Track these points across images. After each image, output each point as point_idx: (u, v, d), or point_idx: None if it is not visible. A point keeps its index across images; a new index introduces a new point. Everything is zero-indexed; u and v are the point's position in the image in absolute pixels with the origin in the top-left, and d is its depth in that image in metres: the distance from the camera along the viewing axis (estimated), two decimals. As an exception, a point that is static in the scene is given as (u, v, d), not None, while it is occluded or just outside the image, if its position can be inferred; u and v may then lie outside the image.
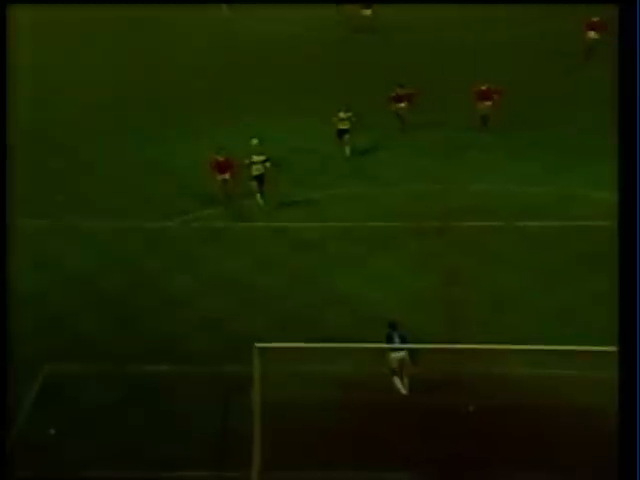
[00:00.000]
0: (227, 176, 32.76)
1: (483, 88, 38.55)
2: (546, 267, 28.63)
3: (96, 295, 27.92)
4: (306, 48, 50.98)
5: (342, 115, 36.63)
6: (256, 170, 32.82)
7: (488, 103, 38.53)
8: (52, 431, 21.69)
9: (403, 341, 22.67)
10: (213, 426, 21.23)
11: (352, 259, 29.61)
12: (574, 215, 31.53)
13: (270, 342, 20.69)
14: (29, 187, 35.18)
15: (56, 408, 22.56)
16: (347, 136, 36.73)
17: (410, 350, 22.31)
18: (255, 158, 32.83)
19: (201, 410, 22.09)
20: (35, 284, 28.33)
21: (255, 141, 33.57)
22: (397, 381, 22.57)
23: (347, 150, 36.88)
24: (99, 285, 28.49)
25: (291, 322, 25.67)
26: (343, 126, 36.75)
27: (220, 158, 32.73)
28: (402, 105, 38.97)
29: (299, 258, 29.61)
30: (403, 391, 22.65)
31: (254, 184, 32.80)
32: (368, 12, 52.88)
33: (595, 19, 45.96)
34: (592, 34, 45.81)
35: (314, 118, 39.93)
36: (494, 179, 34.62)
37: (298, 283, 28.14)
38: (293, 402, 21.34)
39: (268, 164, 32.80)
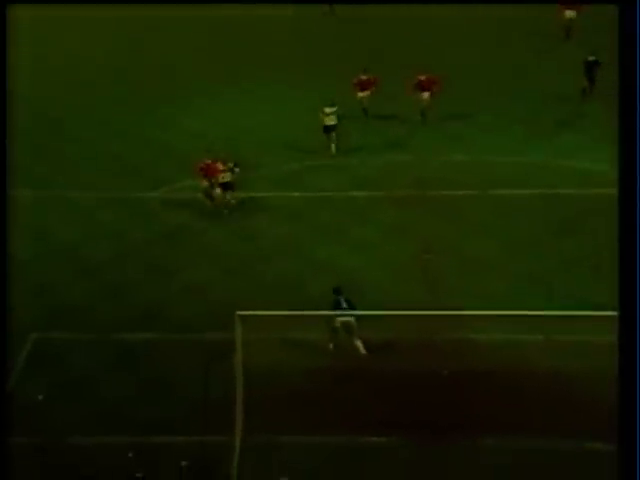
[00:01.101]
0: (213, 180, 30.47)
1: (422, 78, 36.22)
2: (518, 234, 28.67)
3: (81, 264, 27.79)
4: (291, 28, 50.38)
5: (327, 110, 34.07)
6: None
7: (426, 94, 36.30)
8: (40, 397, 21.64)
9: (349, 306, 22.78)
10: (196, 392, 21.18)
11: (331, 228, 29.56)
12: (544, 184, 31.57)
13: (252, 310, 20.65)
14: (14, 158, 34.90)
15: (44, 375, 22.51)
16: (334, 133, 34.18)
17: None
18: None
19: (184, 376, 22.07)
20: (21, 254, 28.16)
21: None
22: (328, 336, 22.75)
23: (333, 148, 34.27)
24: (84, 255, 28.35)
25: (272, 290, 25.63)
26: (330, 122, 34.12)
27: (207, 161, 30.41)
28: (365, 94, 36.97)
29: (280, 227, 29.54)
30: (362, 350, 22.77)
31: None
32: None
33: None
34: (569, 13, 45.22)
35: (296, 90, 39.84)
36: (468, 150, 34.57)
37: (279, 252, 28.09)
38: (274, 368, 21.35)
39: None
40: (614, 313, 19.64)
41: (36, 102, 40.56)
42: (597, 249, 26.60)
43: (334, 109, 34.17)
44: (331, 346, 23.01)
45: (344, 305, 22.80)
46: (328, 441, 20.04)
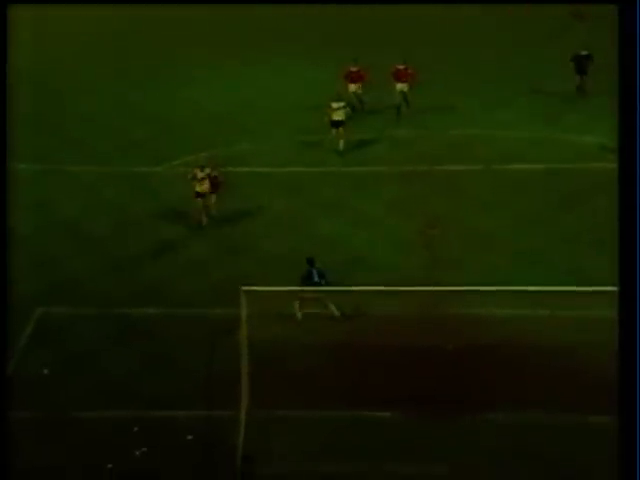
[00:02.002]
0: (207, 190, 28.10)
1: (400, 67, 35.00)
2: (522, 209, 28.63)
3: (84, 239, 27.79)
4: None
5: (334, 105, 32.56)
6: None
7: (404, 84, 35.01)
8: (45, 371, 21.71)
9: (321, 276, 22.90)
10: (201, 367, 21.20)
11: (336, 203, 29.54)
12: (549, 158, 31.51)
13: (256, 285, 20.65)
14: (16, 132, 34.84)
15: (48, 349, 22.53)
16: (341, 129, 32.60)
17: (327, 283, 22.84)
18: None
19: (189, 351, 22.09)
20: (24, 228, 28.17)
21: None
22: (296, 305, 22.94)
23: (341, 144, 32.55)
24: (87, 229, 28.34)
25: (276, 265, 25.62)
26: (337, 117, 32.61)
27: (201, 174, 28.13)
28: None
29: (284, 202, 29.50)
30: (336, 312, 23.09)
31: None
32: None
33: None
34: None
35: (300, 63, 39.73)
36: (472, 125, 34.48)
37: (283, 227, 28.06)
38: (280, 343, 21.39)
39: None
40: (616, 288, 20.06)
41: (38, 76, 40.45)
42: (600, 224, 26.54)
43: (341, 104, 32.71)
44: (299, 315, 23.07)
45: (315, 277, 22.89)
46: (333, 415, 20.09)
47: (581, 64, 36.25)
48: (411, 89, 35.02)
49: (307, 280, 22.90)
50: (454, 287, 21.93)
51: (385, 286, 21.96)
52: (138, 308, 23.97)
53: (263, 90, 38.41)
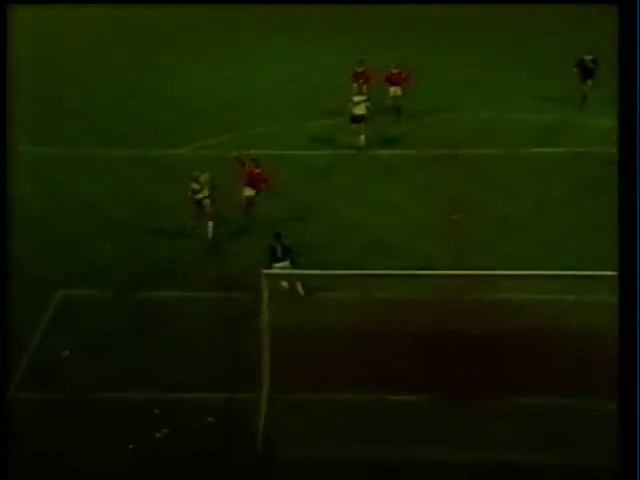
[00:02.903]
0: (253, 192, 27.12)
1: (394, 71, 33.86)
2: (548, 193, 28.52)
3: (108, 222, 27.87)
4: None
5: (356, 99, 31.82)
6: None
7: (397, 88, 33.83)
8: (65, 353, 21.86)
9: (285, 251, 23.01)
10: (222, 350, 21.26)
11: (359, 187, 29.52)
12: (575, 142, 31.34)
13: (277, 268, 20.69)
14: (42, 115, 35.13)
15: (68, 332, 22.65)
16: (363, 124, 31.85)
17: (292, 260, 22.99)
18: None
19: (210, 334, 22.13)
20: (48, 211, 28.39)
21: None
22: (285, 284, 22.96)
23: (362, 139, 31.83)
24: (111, 212, 28.43)
25: (298, 249, 25.60)
26: (359, 111, 31.72)
27: (257, 170, 26.96)
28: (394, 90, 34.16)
29: (305, 186, 29.51)
30: (301, 292, 23.29)
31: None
32: None
33: None
34: None
35: (321, 47, 39.66)
36: (499, 108, 34.35)
37: (306, 211, 28.06)
38: (301, 327, 21.41)
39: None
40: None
41: (57, 60, 40.66)
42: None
43: (363, 97, 31.93)
44: (301, 291, 23.30)
45: (279, 252, 23.05)
46: (355, 399, 20.10)
47: (587, 69, 34.18)
48: (404, 93, 33.82)
49: (271, 256, 22.98)
50: (478, 271, 21.86)
51: (408, 270, 22.02)
52: (158, 291, 24.08)
53: (285, 74, 38.40)
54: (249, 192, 26.84)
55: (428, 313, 22.17)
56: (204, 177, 26.44)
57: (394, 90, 33.80)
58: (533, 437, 19.19)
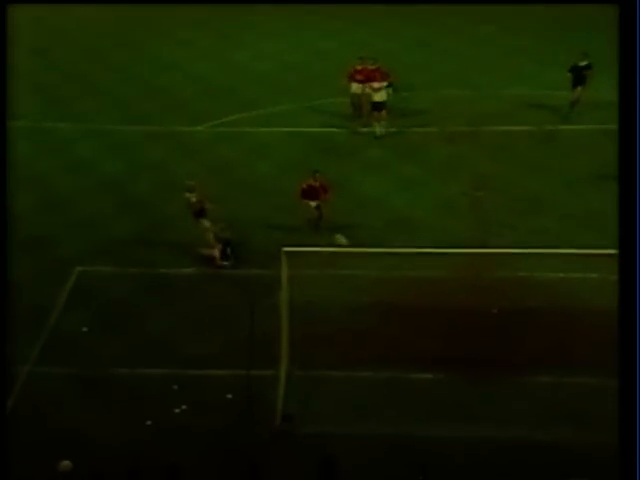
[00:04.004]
0: (314, 204, 25.99)
1: (358, 68, 31.71)
2: (572, 171, 28.53)
3: (126, 199, 28.15)
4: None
5: (376, 85, 30.82)
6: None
7: (358, 86, 31.64)
8: (84, 329, 22.20)
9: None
10: (241, 327, 21.49)
11: (381, 164, 29.65)
12: (600, 119, 31.24)
13: (298, 246, 20.86)
14: (61, 91, 35.40)
15: (88, 308, 23.02)
16: (384, 112, 30.84)
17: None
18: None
19: (229, 311, 22.43)
20: (66, 188, 28.70)
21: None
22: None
23: (378, 128, 30.99)
24: (129, 189, 28.72)
25: (320, 227, 25.86)
26: (379, 98, 30.77)
27: (314, 183, 25.91)
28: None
29: (328, 163, 29.62)
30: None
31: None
32: None
33: None
34: None
35: (344, 24, 39.67)
36: (525, 84, 34.30)
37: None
38: (321, 304, 21.64)
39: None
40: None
41: (79, 36, 40.89)
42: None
43: (384, 84, 30.85)
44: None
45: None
46: (373, 377, 20.37)
47: (580, 75, 31.74)
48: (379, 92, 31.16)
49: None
50: (500, 249, 21.96)
51: (430, 248, 22.17)
52: (177, 268, 24.37)
53: (309, 52, 38.45)
54: (312, 204, 25.90)
55: (448, 291, 22.36)
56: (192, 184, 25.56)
57: (356, 87, 31.65)
58: (551, 414, 19.41)
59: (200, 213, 25.15)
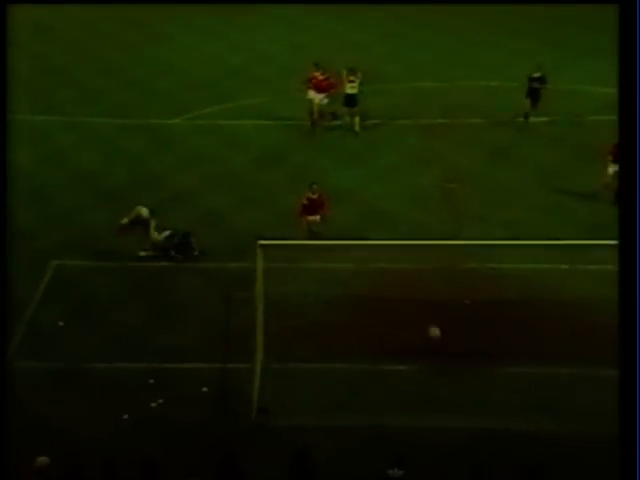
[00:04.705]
0: (317, 218, 24.76)
1: (319, 77, 30.58)
2: (544, 162, 28.48)
3: (101, 191, 27.88)
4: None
5: (351, 77, 30.19)
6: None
7: (320, 95, 30.64)
8: (60, 324, 21.95)
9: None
10: (217, 320, 21.34)
11: (355, 156, 29.50)
12: (571, 110, 31.26)
13: (272, 238, 20.71)
14: (36, 83, 35.02)
15: (63, 302, 22.73)
16: (356, 108, 30.38)
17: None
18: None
19: (205, 304, 22.22)
20: (42, 180, 28.39)
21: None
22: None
23: (357, 123, 30.51)
24: (105, 181, 28.44)
25: (294, 218, 25.64)
26: (351, 90, 30.21)
27: (313, 196, 24.74)
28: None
29: (302, 154, 29.49)
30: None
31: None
32: None
33: None
34: None
35: (316, 16, 39.48)
36: (496, 76, 34.23)
37: (301, 179, 28.02)
38: (296, 297, 21.49)
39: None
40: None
41: (54, 28, 40.48)
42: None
43: (358, 75, 30.35)
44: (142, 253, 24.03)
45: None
46: (347, 369, 20.22)
47: (532, 89, 30.42)
48: (329, 101, 30.84)
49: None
50: (472, 241, 21.89)
51: (402, 240, 22.08)
52: (154, 261, 24.14)
53: (283, 44, 38.24)
54: (313, 218, 24.70)
55: (422, 282, 22.24)
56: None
57: (314, 95, 30.63)
58: (523, 404, 19.33)
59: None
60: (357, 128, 30.55)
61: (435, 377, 20.14)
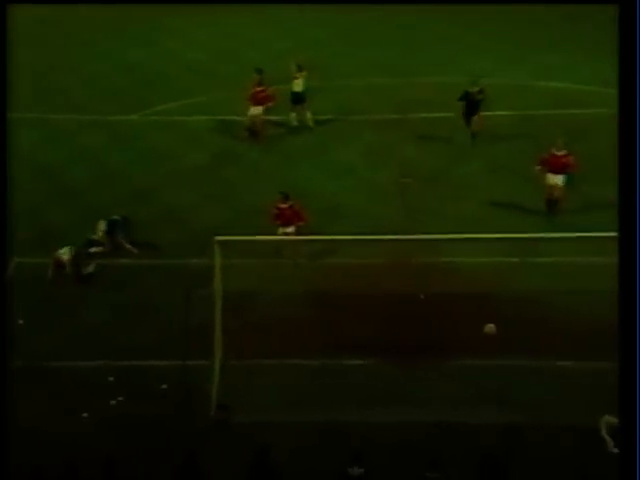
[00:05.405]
0: (292, 230, 23.68)
1: (259, 89, 29.46)
2: (498, 157, 28.43)
3: (62, 188, 27.48)
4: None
5: (297, 74, 29.81)
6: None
7: (258, 109, 29.52)
8: (20, 322, 21.56)
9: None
10: (176, 317, 21.09)
11: (311, 152, 29.29)
12: (525, 105, 31.27)
13: (231, 235, 20.51)
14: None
15: (24, 300, 22.30)
16: (304, 104, 29.97)
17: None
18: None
19: (164, 302, 21.93)
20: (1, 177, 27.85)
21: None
22: None
23: (309, 118, 29.98)
24: (65, 178, 28.02)
25: (252, 215, 25.40)
26: (297, 88, 29.80)
27: (284, 206, 23.82)
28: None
29: (258, 151, 29.24)
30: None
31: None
32: None
33: None
34: None
35: (272, 11, 39.19)
36: (452, 71, 34.13)
37: (258, 176, 27.83)
38: (253, 294, 21.33)
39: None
40: (589, 234, 20.11)
41: (14, 23, 39.66)
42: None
43: (303, 73, 29.76)
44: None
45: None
46: (306, 364, 20.10)
47: (471, 103, 28.71)
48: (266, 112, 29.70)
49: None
50: (427, 235, 21.86)
51: (359, 235, 21.98)
52: (113, 258, 23.82)
53: (241, 40, 37.85)
54: (284, 232, 23.58)
55: (377, 277, 22.16)
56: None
57: (254, 110, 29.49)
58: (478, 396, 19.31)
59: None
60: (310, 123, 30.15)
61: (391, 371, 20.08)
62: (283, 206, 23.70)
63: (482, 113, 28.68)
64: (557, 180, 25.09)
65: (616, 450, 17.71)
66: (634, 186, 15.33)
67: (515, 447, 17.57)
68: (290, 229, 23.54)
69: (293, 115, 30.24)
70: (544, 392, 19.38)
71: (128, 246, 24.19)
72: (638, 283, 14.73)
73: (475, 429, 18.46)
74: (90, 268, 23.20)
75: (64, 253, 23.27)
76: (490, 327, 20.33)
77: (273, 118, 30.43)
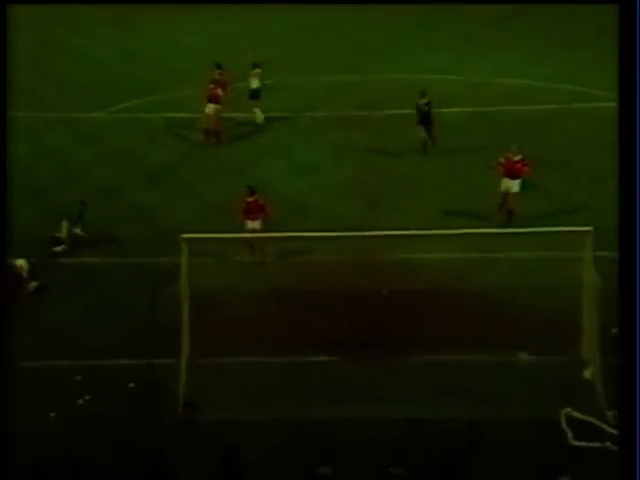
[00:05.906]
0: (257, 224, 23.66)
1: (212, 86, 29.22)
2: (457, 154, 28.43)
3: (26, 186, 27.04)
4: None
5: (253, 71, 29.85)
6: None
7: (212, 107, 29.01)
8: (-13, 322, 21.25)
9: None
10: (142, 316, 20.88)
11: (275, 149, 29.14)
12: (483, 102, 31.35)
13: (197, 233, 20.35)
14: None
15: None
16: (259, 101, 29.99)
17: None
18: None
19: (130, 300, 21.72)
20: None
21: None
22: None
23: (259, 114, 29.99)
24: (29, 176, 27.59)
25: (217, 212, 25.23)
26: (253, 85, 29.88)
27: (250, 199, 23.74)
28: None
29: (224, 149, 29.05)
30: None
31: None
32: None
33: None
34: None
35: (242, 8, 38.96)
36: (409, 69, 34.12)
37: (222, 173, 27.65)
38: (219, 291, 21.19)
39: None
40: (550, 229, 20.39)
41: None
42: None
43: (258, 70, 29.85)
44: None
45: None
46: (273, 361, 20.00)
47: (422, 113, 28.18)
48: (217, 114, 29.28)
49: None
50: (389, 232, 21.82)
51: (322, 231, 21.88)
52: (79, 257, 23.54)
53: (204, 37, 37.58)
54: (252, 225, 23.56)
55: (341, 274, 22.13)
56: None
57: (209, 108, 29.10)
58: (440, 392, 19.32)
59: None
60: (259, 120, 29.99)
61: (356, 368, 20.02)
62: (249, 200, 23.64)
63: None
64: (512, 185, 25.01)
65: (575, 442, 17.92)
66: (634, 186, 15.37)
67: (477, 441, 17.54)
68: (257, 223, 23.45)
69: (258, 112, 30.06)
70: (505, 387, 19.41)
71: (78, 232, 23.85)
72: (638, 283, 14.79)
73: (438, 424, 18.44)
74: (33, 285, 22.46)
75: (21, 264, 22.65)
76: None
77: (240, 115, 30.29)
